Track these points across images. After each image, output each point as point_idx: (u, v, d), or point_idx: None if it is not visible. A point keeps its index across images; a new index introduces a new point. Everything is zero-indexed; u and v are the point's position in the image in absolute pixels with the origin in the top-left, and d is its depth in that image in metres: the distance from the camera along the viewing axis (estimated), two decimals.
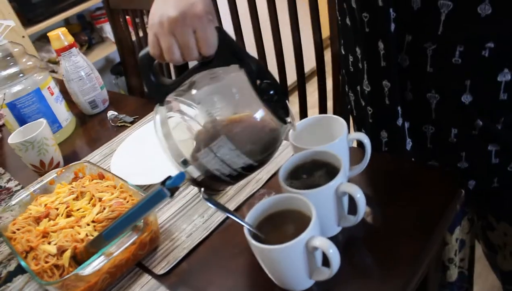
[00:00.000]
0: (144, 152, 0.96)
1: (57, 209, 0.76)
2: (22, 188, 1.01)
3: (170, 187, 0.52)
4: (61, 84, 1.27)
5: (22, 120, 1.09)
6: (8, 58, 1.10)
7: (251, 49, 0.97)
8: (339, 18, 0.86)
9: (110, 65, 2.61)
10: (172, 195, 0.53)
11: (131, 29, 1.61)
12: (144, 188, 0.86)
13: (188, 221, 0.75)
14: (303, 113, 1.27)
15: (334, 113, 1.17)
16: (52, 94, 1.13)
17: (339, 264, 0.52)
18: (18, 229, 0.74)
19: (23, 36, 2.00)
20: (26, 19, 2.10)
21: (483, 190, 0.78)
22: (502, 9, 0.60)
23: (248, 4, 1.23)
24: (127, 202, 0.74)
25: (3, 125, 1.26)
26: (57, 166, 1.02)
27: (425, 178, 0.71)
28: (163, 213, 0.78)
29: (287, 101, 0.62)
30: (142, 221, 0.65)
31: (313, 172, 0.64)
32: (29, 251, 0.69)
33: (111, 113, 1.17)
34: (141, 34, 1.58)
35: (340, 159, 0.60)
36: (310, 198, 0.57)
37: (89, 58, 2.28)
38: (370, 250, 0.62)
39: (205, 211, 0.76)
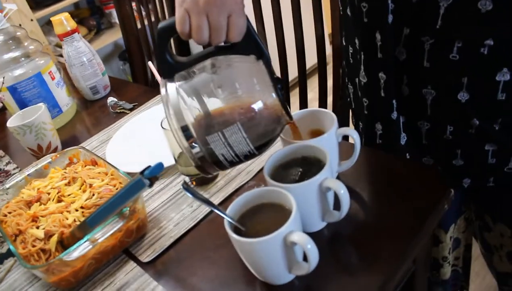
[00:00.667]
0: (140, 140, 0.96)
1: (48, 193, 0.77)
2: (20, 171, 1.02)
3: (148, 176, 0.52)
4: (65, 69, 1.28)
5: (22, 104, 1.10)
6: (10, 41, 1.10)
7: None
8: (341, 8, 0.85)
9: (118, 51, 2.62)
10: (151, 184, 0.53)
11: (136, 17, 1.60)
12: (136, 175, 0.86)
13: (177, 210, 0.75)
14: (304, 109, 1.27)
15: (334, 108, 1.16)
16: (53, 78, 1.14)
17: (317, 259, 0.52)
18: (9, 212, 0.75)
19: (32, 20, 2.01)
20: (35, 2, 2.10)
21: (478, 189, 0.77)
22: (503, 6, 0.59)
23: None
24: (116, 188, 0.74)
25: (5, 109, 1.27)
26: (55, 150, 1.03)
27: (415, 176, 0.70)
28: (153, 201, 0.78)
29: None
30: (128, 208, 0.65)
31: (299, 166, 0.63)
32: (18, 234, 0.70)
33: (110, 99, 1.17)
34: (146, 22, 1.57)
35: (326, 153, 0.60)
36: (294, 192, 0.56)
37: (97, 43, 2.30)
38: (355, 245, 0.61)
39: (194, 201, 0.76)
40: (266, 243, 0.50)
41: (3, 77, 1.03)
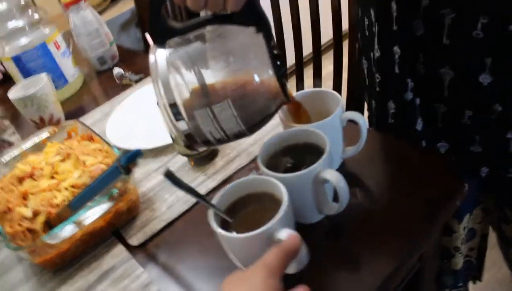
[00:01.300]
0: (142, 114, 0.93)
1: (42, 169, 0.74)
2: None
3: (124, 164, 0.48)
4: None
5: (27, 74, 1.08)
6: (14, 10, 1.07)
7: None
8: None
9: (135, 19, 2.56)
10: (128, 172, 0.49)
11: None
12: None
13: (171, 191, 0.72)
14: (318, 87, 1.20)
15: (349, 87, 1.10)
16: (58, 48, 1.11)
17: (306, 262, 0.48)
18: (1, 188, 0.73)
19: None
20: None
21: (496, 179, 0.71)
22: None
23: None
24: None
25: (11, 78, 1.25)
26: (58, 122, 1.01)
27: (428, 166, 0.64)
28: (149, 181, 0.75)
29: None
30: (117, 190, 0.62)
31: (298, 153, 0.58)
32: (7, 211, 0.68)
33: (117, 70, 1.14)
34: None
35: (326, 141, 0.54)
36: (287, 182, 0.52)
37: (113, 11, 2.26)
38: (356, 238, 0.57)
39: (190, 182, 0.72)
40: (249, 239, 0.46)
41: (3, 47, 1.00)
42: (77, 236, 0.62)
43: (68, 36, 1.20)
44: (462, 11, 0.58)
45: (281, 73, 0.52)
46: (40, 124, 0.99)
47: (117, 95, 1.06)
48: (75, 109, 1.09)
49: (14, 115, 1.16)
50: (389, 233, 0.56)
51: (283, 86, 0.52)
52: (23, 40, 1.06)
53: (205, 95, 0.51)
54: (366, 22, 0.76)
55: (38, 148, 0.83)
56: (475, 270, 0.96)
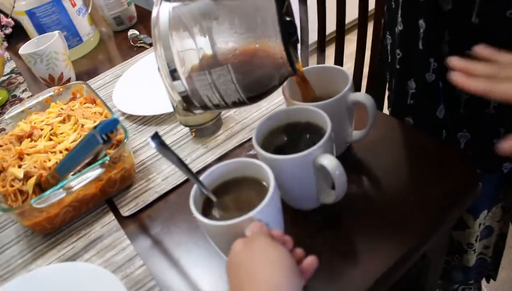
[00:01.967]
0: (150, 80, 0.89)
1: (41, 129, 0.73)
2: None
3: (101, 132, 0.45)
4: None
5: (41, 30, 1.06)
6: None
7: None
8: None
9: None
10: (107, 141, 0.46)
11: None
12: (139, 118, 0.80)
13: (168, 162, 0.69)
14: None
15: (371, 69, 1.03)
16: (74, 5, 1.08)
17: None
18: (0, 146, 0.72)
19: None
20: None
21: None
22: None
23: None
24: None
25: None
26: (68, 81, 0.99)
27: (441, 160, 0.58)
28: (148, 149, 0.72)
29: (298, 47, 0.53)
30: (108, 157, 0.60)
31: (298, 132, 0.54)
32: (2, 170, 0.66)
33: (132, 32, 1.10)
34: None
35: (328, 123, 0.50)
36: (281, 165, 0.48)
37: None
38: (355, 230, 0.52)
39: (189, 154, 0.69)
40: (226, 227, 0.43)
41: (14, 1, 0.98)
42: (66, 202, 0.60)
43: None
44: None
45: (290, 42, 0.48)
46: (50, 82, 0.97)
47: (130, 58, 1.03)
48: (87, 69, 1.07)
49: (28, 72, 1.15)
50: (389, 226, 0.51)
51: (289, 56, 0.48)
52: None
53: (205, 57, 0.47)
54: None
55: (42, 107, 0.81)
56: (489, 269, 0.90)
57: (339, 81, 0.58)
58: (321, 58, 1.17)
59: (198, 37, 0.47)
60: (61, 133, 0.71)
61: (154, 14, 0.49)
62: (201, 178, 0.48)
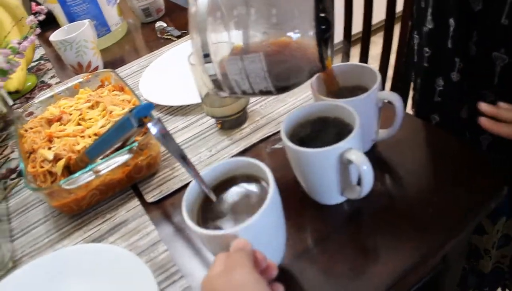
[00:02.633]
0: (177, 71, 0.91)
1: (70, 114, 0.74)
2: None
3: (136, 116, 0.46)
4: None
5: (71, 19, 1.08)
6: None
7: None
8: None
9: None
10: (141, 125, 0.47)
11: None
12: (165, 108, 0.82)
13: (194, 152, 0.70)
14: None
15: (396, 71, 1.03)
16: None
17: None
18: (31, 128, 0.73)
19: None
20: None
21: None
22: None
23: None
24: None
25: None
26: (95, 70, 1.01)
27: (466, 162, 0.58)
28: (175, 138, 0.73)
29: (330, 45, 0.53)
30: (137, 143, 0.61)
31: (326, 127, 0.54)
32: (32, 152, 0.68)
33: (159, 24, 1.12)
34: None
35: (357, 119, 0.50)
36: (310, 157, 0.49)
37: None
38: (376, 227, 0.53)
39: (215, 145, 0.70)
40: (211, 237, 0.42)
41: None
42: (93, 185, 0.62)
43: None
44: None
45: (323, 39, 0.48)
46: (78, 70, 0.99)
47: (157, 49, 1.05)
48: (114, 59, 1.09)
49: (56, 59, 1.17)
50: (411, 226, 0.51)
51: (320, 53, 0.48)
52: None
53: (238, 44, 0.48)
54: None
55: (71, 93, 0.83)
56: (506, 278, 0.90)
57: (366, 80, 0.58)
58: (346, 58, 1.17)
59: (233, 23, 0.48)
60: (90, 119, 0.73)
61: None
62: (202, 174, 0.47)
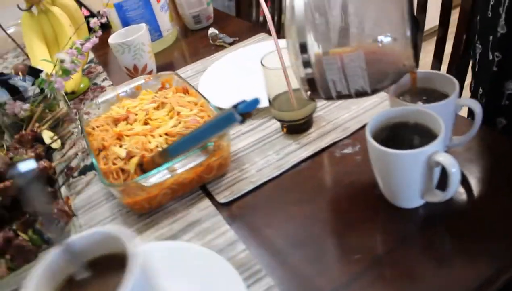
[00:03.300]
0: (235, 76, 0.91)
1: (136, 114, 0.75)
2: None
3: (242, 112, 0.46)
4: None
5: (126, 23, 1.10)
6: None
7: None
8: None
9: None
10: (243, 120, 0.47)
11: None
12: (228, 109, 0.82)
13: (262, 155, 0.70)
14: None
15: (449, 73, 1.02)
16: (158, 1, 1.11)
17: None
18: (97, 126, 0.74)
19: None
20: None
21: None
22: None
23: None
24: (204, 121, 0.70)
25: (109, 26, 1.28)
26: (150, 73, 1.02)
27: None
28: (240, 141, 0.74)
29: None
30: (212, 143, 0.61)
31: (407, 132, 0.54)
32: (102, 149, 0.69)
33: (211, 30, 1.13)
34: None
35: (442, 123, 0.50)
36: (398, 159, 0.48)
37: None
38: (451, 234, 0.52)
39: (282, 149, 0.70)
40: None
41: None
42: (166, 184, 0.62)
43: None
44: None
45: (417, 38, 0.49)
46: (134, 73, 1.00)
47: (210, 55, 1.06)
48: (165, 63, 1.10)
49: (106, 63, 1.19)
50: (487, 236, 0.50)
51: (416, 52, 0.49)
52: None
53: (338, 42, 0.49)
54: (492, 2, 0.71)
55: (132, 94, 0.84)
56: None
57: (441, 86, 0.58)
58: None
59: (332, 21, 0.49)
60: (156, 119, 0.73)
61: None
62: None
